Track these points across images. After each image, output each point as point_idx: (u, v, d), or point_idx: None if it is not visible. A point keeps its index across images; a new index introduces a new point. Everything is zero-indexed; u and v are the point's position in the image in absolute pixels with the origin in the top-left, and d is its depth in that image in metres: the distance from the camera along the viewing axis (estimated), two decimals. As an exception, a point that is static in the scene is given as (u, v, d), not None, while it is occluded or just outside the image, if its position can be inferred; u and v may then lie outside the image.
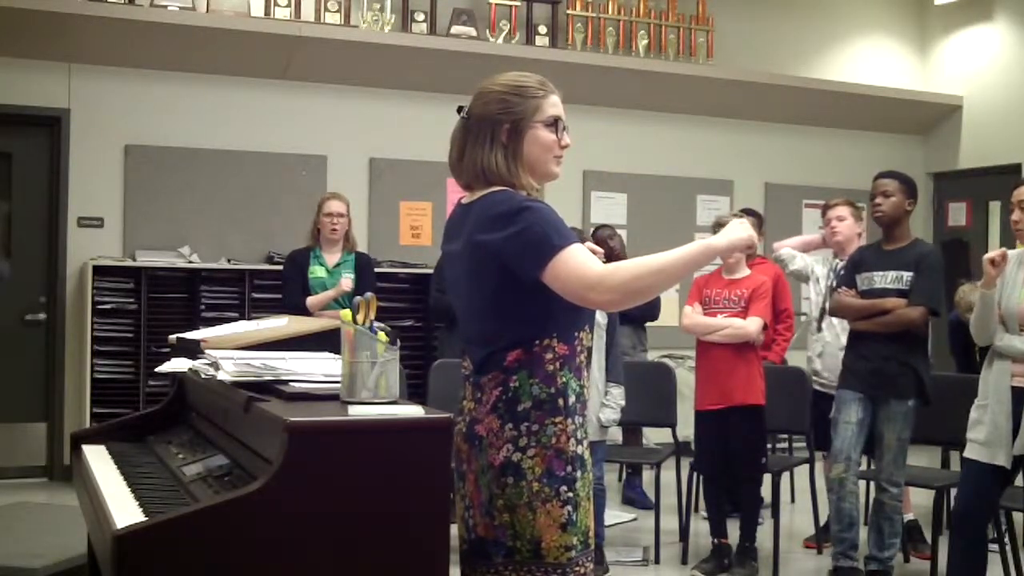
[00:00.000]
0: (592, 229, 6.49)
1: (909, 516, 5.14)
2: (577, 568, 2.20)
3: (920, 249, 4.49)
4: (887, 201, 4.46)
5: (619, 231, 6.62)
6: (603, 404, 4.61)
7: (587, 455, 2.25)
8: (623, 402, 4.69)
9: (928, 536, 5.02)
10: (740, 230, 2.21)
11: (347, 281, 5.40)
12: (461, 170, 2.30)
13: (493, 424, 2.20)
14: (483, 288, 2.22)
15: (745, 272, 4.78)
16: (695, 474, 5.03)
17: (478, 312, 2.26)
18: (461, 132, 2.31)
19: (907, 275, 4.37)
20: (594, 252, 4.47)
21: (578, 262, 2.10)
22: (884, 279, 4.42)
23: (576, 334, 2.24)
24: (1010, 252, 3.86)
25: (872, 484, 4.66)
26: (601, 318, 4.63)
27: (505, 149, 2.25)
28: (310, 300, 5.38)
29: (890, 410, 4.34)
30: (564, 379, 2.21)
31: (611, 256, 5.56)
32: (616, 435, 5.91)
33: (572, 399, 2.22)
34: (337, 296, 5.37)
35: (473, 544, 2.25)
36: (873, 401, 4.39)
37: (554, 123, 2.28)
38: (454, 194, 7.19)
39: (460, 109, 2.33)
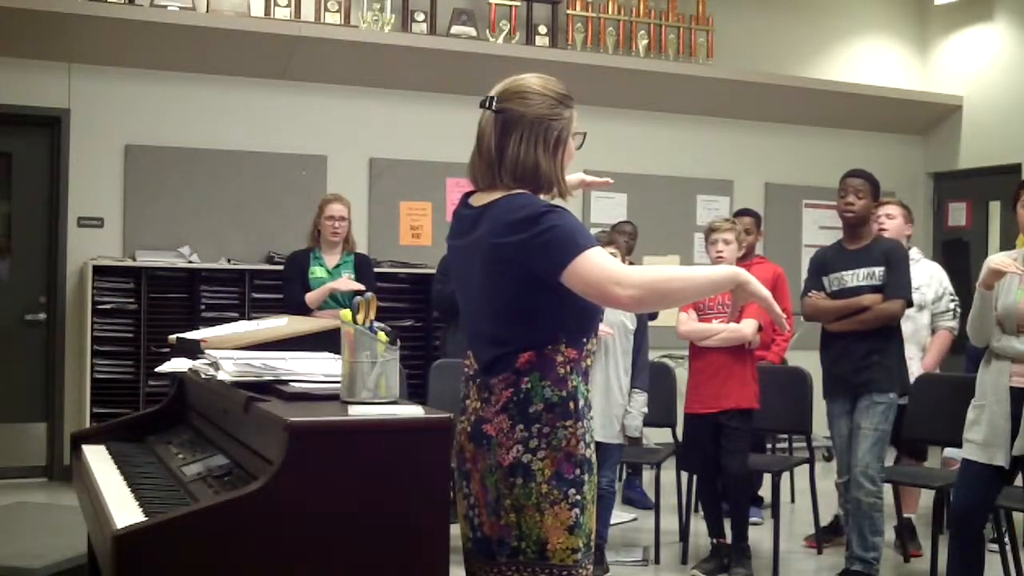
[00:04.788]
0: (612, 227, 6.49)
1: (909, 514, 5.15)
2: (581, 571, 2.21)
3: (885, 244, 4.56)
4: (859, 202, 4.49)
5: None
6: (627, 411, 4.62)
7: (594, 458, 2.26)
8: (646, 409, 4.70)
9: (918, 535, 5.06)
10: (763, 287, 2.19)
11: (349, 281, 5.39)
12: (501, 166, 2.24)
13: (503, 424, 2.19)
14: (499, 291, 2.21)
15: None
16: (691, 474, 5.03)
17: (491, 313, 2.25)
18: (496, 127, 2.25)
19: (878, 271, 4.44)
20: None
21: (604, 259, 2.12)
22: (855, 277, 4.47)
23: (584, 340, 2.25)
24: (1011, 253, 3.86)
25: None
26: (629, 322, 4.64)
27: (553, 155, 2.25)
28: (309, 296, 5.38)
29: (870, 401, 4.38)
30: (574, 383, 2.21)
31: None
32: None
33: (581, 402, 2.23)
34: (336, 289, 5.37)
35: (478, 543, 2.25)
36: (856, 399, 4.43)
37: (576, 135, 2.30)
38: (454, 194, 7.26)
39: (487, 100, 2.27)
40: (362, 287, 5.31)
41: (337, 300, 5.37)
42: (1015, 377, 3.71)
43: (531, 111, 2.23)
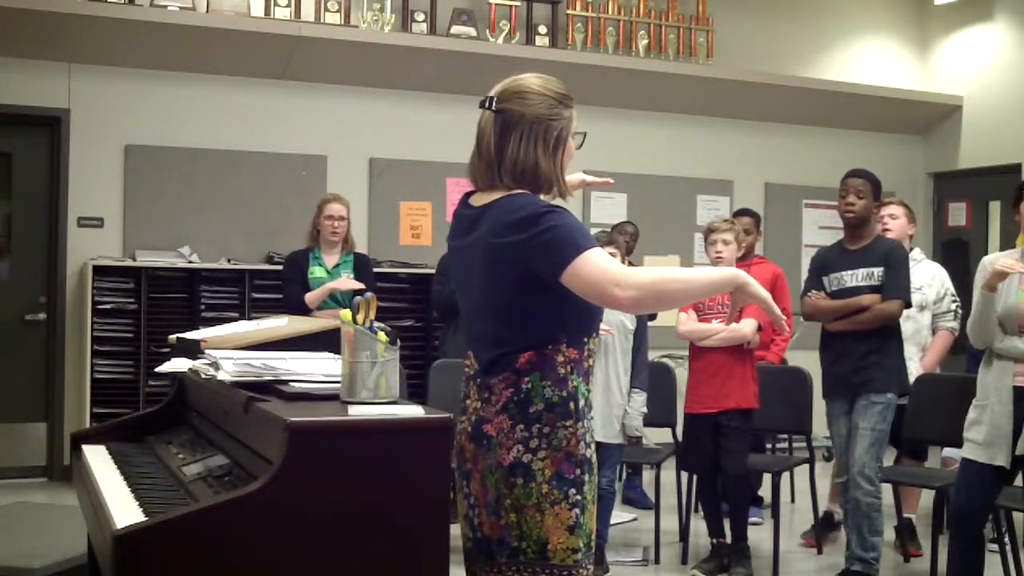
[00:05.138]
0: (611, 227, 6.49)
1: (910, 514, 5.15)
2: (582, 571, 2.21)
3: (885, 245, 4.56)
4: (860, 202, 4.49)
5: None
6: (626, 411, 4.63)
7: (594, 458, 2.26)
8: (645, 409, 4.70)
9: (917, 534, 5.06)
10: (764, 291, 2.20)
11: (348, 280, 5.39)
12: (500, 166, 2.24)
13: (504, 424, 2.19)
14: (498, 291, 2.21)
15: None
16: (691, 474, 5.04)
17: (491, 314, 2.25)
18: (496, 126, 2.25)
19: (877, 271, 4.44)
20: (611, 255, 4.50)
21: (603, 260, 2.12)
22: (854, 277, 4.47)
23: (585, 340, 2.25)
24: (1011, 253, 3.86)
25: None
26: (629, 322, 4.64)
27: (552, 155, 2.25)
28: (309, 296, 5.38)
29: (868, 401, 4.38)
30: (575, 383, 2.21)
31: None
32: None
33: (582, 402, 2.22)
34: (336, 289, 5.37)
35: (478, 543, 2.25)
36: (854, 399, 4.43)
37: (576, 135, 2.30)
38: (454, 194, 7.26)
39: (487, 100, 2.27)
40: (362, 286, 5.31)
41: (337, 300, 5.37)
42: (1018, 377, 3.71)
43: (530, 111, 2.23)
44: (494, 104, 2.25)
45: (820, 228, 8.38)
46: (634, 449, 5.55)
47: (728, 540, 4.73)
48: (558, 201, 2.27)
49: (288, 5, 6.94)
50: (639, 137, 7.92)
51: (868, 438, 4.35)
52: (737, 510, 4.70)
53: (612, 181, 2.75)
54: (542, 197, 2.26)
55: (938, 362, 5.27)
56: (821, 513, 5.32)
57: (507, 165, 2.23)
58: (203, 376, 2.55)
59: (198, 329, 3.63)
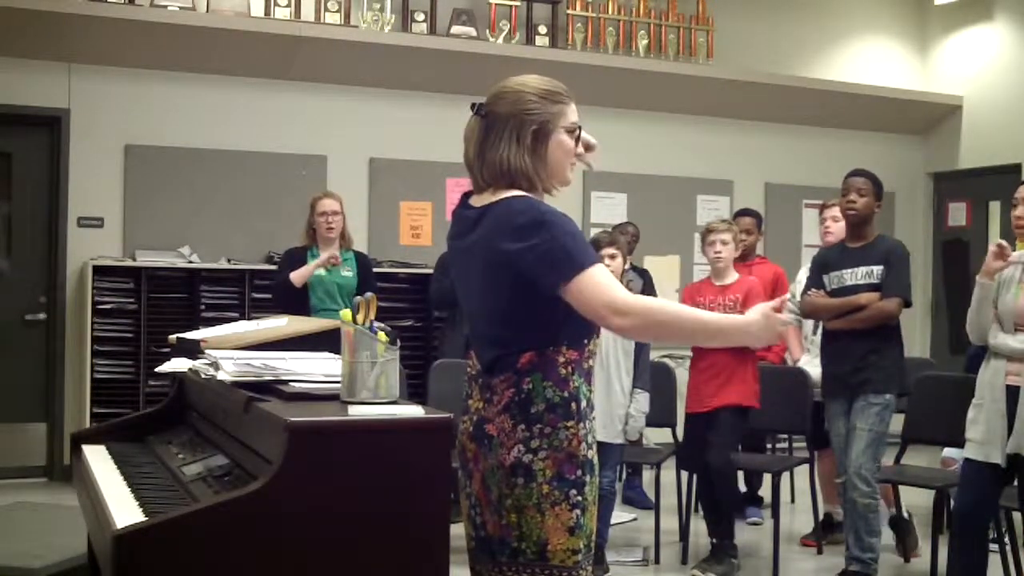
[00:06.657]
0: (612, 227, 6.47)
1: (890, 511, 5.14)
2: (581, 572, 2.21)
3: (887, 244, 4.56)
4: (861, 200, 4.49)
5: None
6: (629, 414, 4.62)
7: (595, 459, 2.26)
8: (647, 409, 4.70)
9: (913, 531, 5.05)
10: (772, 332, 2.20)
11: (334, 258, 5.42)
12: (482, 168, 2.25)
13: (505, 424, 2.19)
14: (498, 293, 2.21)
15: (734, 277, 4.80)
16: (691, 473, 5.03)
17: (490, 315, 2.25)
18: (479, 130, 2.26)
19: (877, 269, 4.44)
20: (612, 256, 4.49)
21: (605, 282, 2.11)
22: (854, 276, 4.47)
23: (585, 341, 2.24)
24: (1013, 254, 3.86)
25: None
26: None
27: (530, 150, 2.23)
28: (294, 274, 5.37)
29: (866, 402, 4.38)
30: (576, 383, 2.21)
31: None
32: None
33: (583, 403, 2.22)
34: (321, 264, 5.37)
35: (481, 542, 2.25)
36: (853, 399, 4.43)
37: (574, 130, 2.29)
38: (454, 194, 7.25)
39: (475, 106, 2.28)
40: (356, 277, 5.33)
41: (332, 296, 5.38)
42: (1010, 376, 3.72)
43: (507, 110, 2.23)
44: (482, 110, 2.26)
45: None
46: (634, 449, 5.55)
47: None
48: (548, 199, 2.26)
49: (288, 5, 6.95)
50: (639, 137, 7.92)
51: (865, 439, 4.35)
52: (720, 505, 4.67)
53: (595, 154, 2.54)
54: (546, 199, 2.25)
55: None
56: (821, 515, 5.32)
57: (486, 167, 2.24)
58: (203, 376, 2.55)
59: (198, 329, 3.63)
